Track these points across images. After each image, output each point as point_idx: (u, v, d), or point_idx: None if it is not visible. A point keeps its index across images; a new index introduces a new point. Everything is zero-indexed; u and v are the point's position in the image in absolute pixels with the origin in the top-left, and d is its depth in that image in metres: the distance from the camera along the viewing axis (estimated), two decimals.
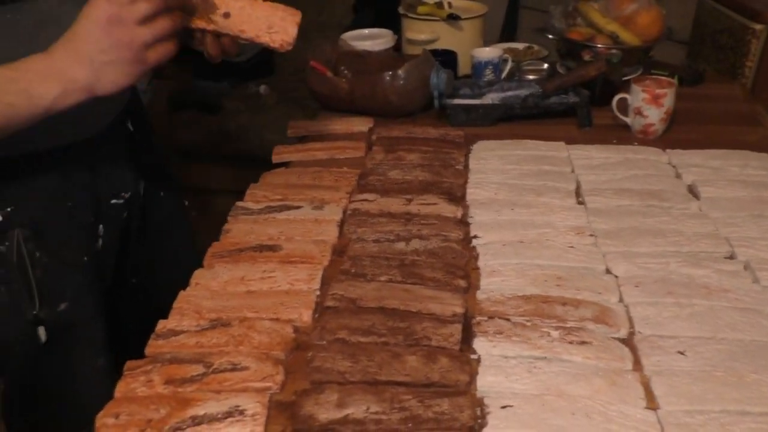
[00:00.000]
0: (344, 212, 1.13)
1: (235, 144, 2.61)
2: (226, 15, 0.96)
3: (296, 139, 1.46)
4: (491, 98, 1.52)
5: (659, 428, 0.71)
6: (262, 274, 0.97)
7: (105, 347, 1.04)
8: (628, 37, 1.62)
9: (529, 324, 0.86)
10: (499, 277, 0.95)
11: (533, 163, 1.27)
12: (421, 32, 1.73)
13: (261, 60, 2.76)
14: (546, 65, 1.68)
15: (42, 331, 0.97)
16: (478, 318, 0.87)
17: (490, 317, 0.87)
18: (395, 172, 1.24)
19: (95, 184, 1.03)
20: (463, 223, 1.10)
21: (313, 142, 1.40)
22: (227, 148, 2.60)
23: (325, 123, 1.49)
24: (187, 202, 1.30)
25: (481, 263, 0.99)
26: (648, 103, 1.37)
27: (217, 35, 0.98)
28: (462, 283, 0.95)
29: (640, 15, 1.63)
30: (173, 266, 1.00)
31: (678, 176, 1.24)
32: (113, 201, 1.07)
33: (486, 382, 0.77)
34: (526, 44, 1.84)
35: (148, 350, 0.84)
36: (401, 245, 1.03)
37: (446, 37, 1.72)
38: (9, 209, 0.93)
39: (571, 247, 1.02)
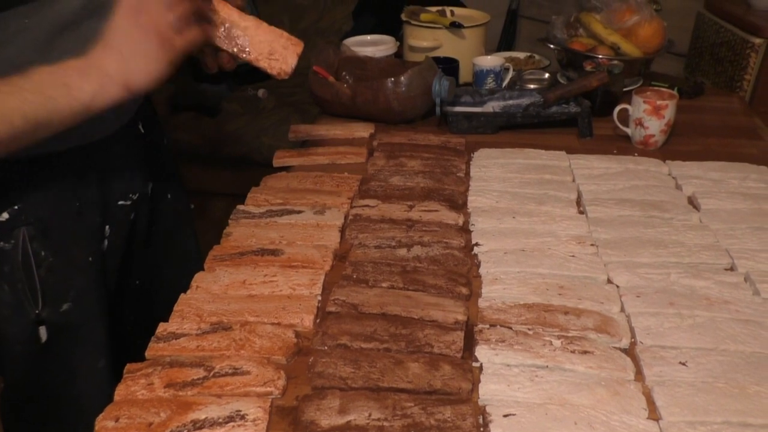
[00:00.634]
0: (346, 217, 1.13)
1: (233, 147, 2.60)
2: (228, 31, 0.96)
3: (297, 143, 1.46)
4: (492, 106, 1.52)
5: None
6: (264, 278, 0.96)
7: (106, 348, 1.04)
8: (629, 49, 1.63)
9: (531, 332, 0.86)
10: (501, 285, 0.95)
11: (534, 171, 1.27)
12: (423, 39, 1.73)
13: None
14: (547, 75, 1.69)
15: (43, 331, 0.96)
16: (480, 326, 0.87)
17: (492, 325, 0.87)
18: (396, 179, 1.24)
19: (103, 185, 1.02)
20: (465, 230, 1.10)
21: (315, 147, 1.40)
22: (225, 150, 2.60)
23: (326, 128, 1.49)
24: (193, 206, 1.29)
25: (482, 271, 0.99)
26: (649, 114, 1.37)
27: (216, 49, 0.98)
28: (464, 290, 0.95)
29: (642, 27, 1.64)
30: (178, 269, 1.00)
31: (678, 187, 1.24)
32: (120, 202, 1.06)
33: (488, 390, 0.77)
34: (528, 53, 1.85)
35: (148, 353, 0.84)
36: (403, 251, 1.03)
37: (448, 45, 1.72)
38: (16, 207, 0.93)
39: (573, 256, 1.02)
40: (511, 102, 1.53)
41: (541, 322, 0.87)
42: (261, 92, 2.78)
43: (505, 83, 1.65)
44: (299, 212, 1.13)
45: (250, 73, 2.80)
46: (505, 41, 3.30)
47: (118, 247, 1.07)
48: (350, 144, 1.41)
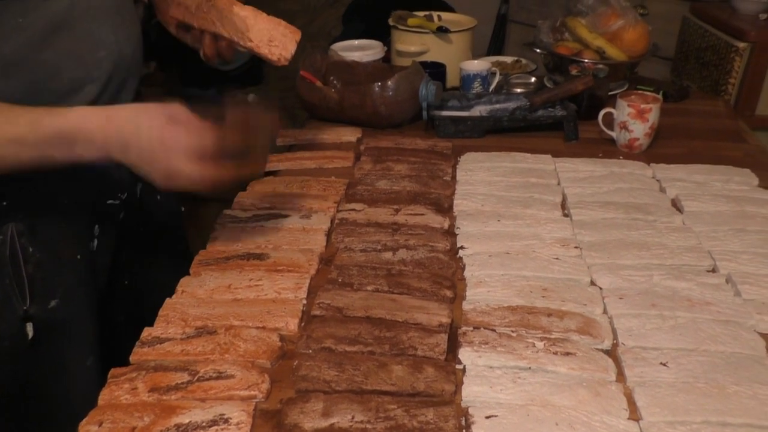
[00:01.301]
0: (332, 221, 1.14)
1: None
2: (228, 19, 0.97)
3: (285, 147, 1.46)
4: (479, 110, 1.53)
5: None
6: (249, 283, 0.97)
7: (94, 346, 1.04)
8: (614, 53, 1.64)
9: (514, 334, 0.86)
10: (485, 288, 0.96)
11: (520, 175, 1.28)
12: (410, 44, 1.74)
13: (249, 68, 2.76)
14: (534, 79, 1.70)
15: (30, 328, 0.97)
16: (464, 328, 0.88)
17: (476, 327, 0.88)
18: (383, 183, 1.25)
19: (92, 184, 1.03)
20: (450, 233, 1.11)
21: (302, 151, 1.40)
22: None
23: (314, 132, 1.49)
24: (183, 208, 1.30)
25: (467, 274, 1.00)
26: (633, 117, 1.38)
27: (216, 38, 0.98)
28: (448, 293, 0.95)
29: (627, 31, 1.66)
30: (167, 270, 1.00)
31: (662, 190, 1.26)
32: (109, 201, 1.07)
33: (471, 391, 0.78)
34: (515, 58, 1.86)
35: (132, 358, 0.84)
36: (388, 255, 1.03)
37: (435, 50, 1.73)
38: (4, 203, 0.94)
39: (557, 258, 1.03)
40: (497, 106, 1.54)
41: (524, 324, 0.88)
42: (250, 97, 2.78)
43: (492, 87, 1.66)
44: (285, 216, 1.13)
45: (239, 78, 2.82)
46: (495, 46, 3.32)
47: (108, 246, 1.08)
48: (337, 148, 1.42)
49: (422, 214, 1.14)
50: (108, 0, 0.95)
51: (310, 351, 0.84)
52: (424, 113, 1.48)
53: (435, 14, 1.83)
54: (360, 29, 2.77)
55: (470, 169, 1.31)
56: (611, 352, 0.86)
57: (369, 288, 0.95)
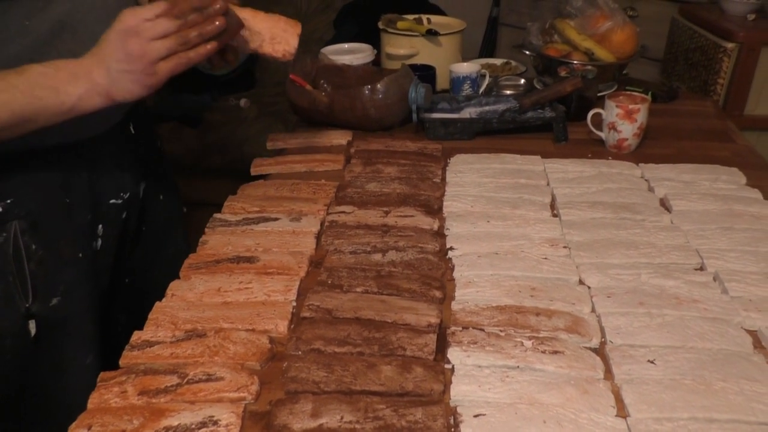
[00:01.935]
0: (322, 224, 1.14)
1: (216, 157, 2.61)
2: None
3: (276, 151, 1.46)
4: (469, 113, 1.54)
5: None
6: (239, 285, 0.97)
7: (94, 345, 1.05)
8: (603, 54, 1.65)
9: (503, 334, 0.87)
10: (474, 288, 0.96)
11: (509, 176, 1.29)
12: (400, 47, 1.75)
13: (242, 73, 2.77)
14: (523, 81, 1.71)
15: (33, 325, 0.97)
16: (453, 328, 0.88)
17: (465, 327, 0.88)
18: (373, 185, 1.26)
19: (94, 183, 1.04)
20: (440, 235, 1.11)
21: (292, 155, 1.41)
22: (208, 161, 2.60)
23: (304, 136, 1.50)
24: (185, 209, 1.31)
25: (456, 274, 1.00)
26: (622, 118, 1.39)
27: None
28: (438, 293, 0.96)
29: (615, 32, 1.67)
30: (168, 270, 1.01)
31: (651, 190, 1.26)
32: (112, 201, 1.08)
33: (459, 391, 0.78)
34: (504, 60, 1.87)
35: (122, 361, 0.84)
36: (378, 257, 1.04)
37: (425, 52, 1.74)
38: (8, 201, 0.94)
39: (546, 258, 1.03)
40: (487, 108, 1.55)
41: (512, 324, 0.89)
42: (243, 102, 2.79)
43: (481, 89, 1.66)
44: (275, 219, 1.14)
45: (231, 83, 2.82)
46: (486, 49, 3.34)
47: (110, 246, 1.09)
48: (328, 151, 1.43)
49: (412, 216, 1.15)
50: (110, 2, 0.96)
51: (300, 352, 0.85)
52: (414, 115, 1.49)
53: (424, 17, 1.84)
54: (352, 33, 2.78)
55: (460, 171, 1.32)
56: (599, 351, 0.86)
57: (358, 289, 0.96)
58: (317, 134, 1.50)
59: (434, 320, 0.89)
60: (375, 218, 1.14)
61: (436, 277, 0.99)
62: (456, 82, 1.64)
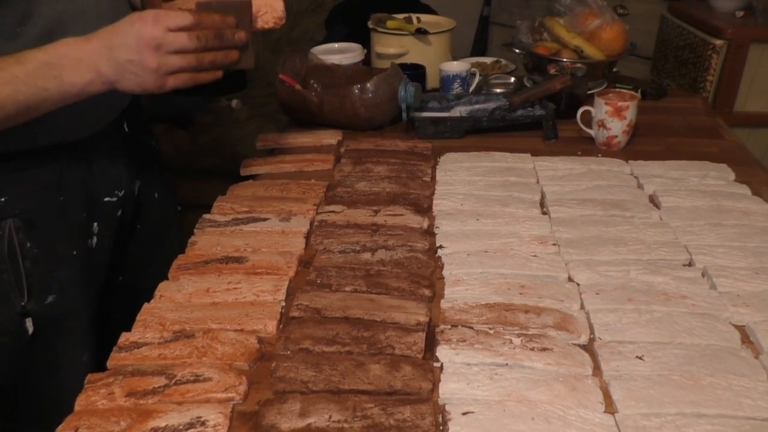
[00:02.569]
0: (311, 224, 1.14)
1: (208, 158, 2.60)
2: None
3: (266, 151, 1.46)
4: (459, 111, 1.54)
5: (616, 431, 0.73)
6: (228, 286, 0.97)
7: (90, 343, 1.04)
8: (592, 52, 1.65)
9: (491, 332, 0.87)
10: (464, 286, 0.96)
11: (499, 174, 1.29)
12: (390, 46, 1.75)
13: (232, 74, 2.76)
14: (513, 79, 1.71)
15: (29, 323, 0.97)
16: (442, 326, 0.88)
17: (454, 325, 0.88)
18: (363, 184, 1.25)
19: (89, 181, 1.04)
20: (429, 233, 1.11)
21: (282, 155, 1.41)
22: (199, 162, 2.59)
23: (294, 136, 1.49)
24: (180, 208, 1.31)
25: (445, 273, 1.00)
26: (611, 115, 1.40)
27: None
28: (427, 292, 0.95)
29: (604, 30, 1.67)
30: (163, 268, 1.01)
31: (640, 186, 1.27)
32: (107, 199, 1.08)
33: (448, 389, 0.78)
34: (494, 58, 1.88)
35: (110, 363, 0.84)
36: (367, 256, 1.03)
37: (415, 52, 1.74)
38: (3, 199, 0.94)
39: (535, 256, 1.03)
40: (477, 106, 1.55)
41: (501, 321, 0.89)
42: (234, 102, 2.78)
43: (471, 88, 1.67)
44: (265, 220, 1.13)
45: (223, 84, 2.81)
46: (478, 47, 3.34)
47: (106, 243, 1.08)
48: (318, 151, 1.42)
49: (401, 215, 1.15)
50: (102, 4, 0.96)
51: (288, 352, 0.84)
52: (404, 114, 1.48)
53: (414, 16, 1.84)
54: (343, 33, 2.78)
55: (450, 170, 1.32)
56: (588, 347, 0.86)
57: (347, 289, 0.96)
58: (307, 134, 1.49)
59: (423, 319, 0.89)
60: (364, 217, 1.14)
61: (425, 276, 0.99)
62: (446, 81, 1.64)
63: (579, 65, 1.59)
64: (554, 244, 1.07)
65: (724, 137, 1.53)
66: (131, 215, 1.15)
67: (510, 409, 0.75)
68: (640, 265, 1.01)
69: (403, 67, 1.59)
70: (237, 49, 0.94)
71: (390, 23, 1.76)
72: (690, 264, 1.03)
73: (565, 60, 1.63)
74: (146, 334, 0.87)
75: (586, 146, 1.45)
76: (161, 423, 0.73)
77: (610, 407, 0.77)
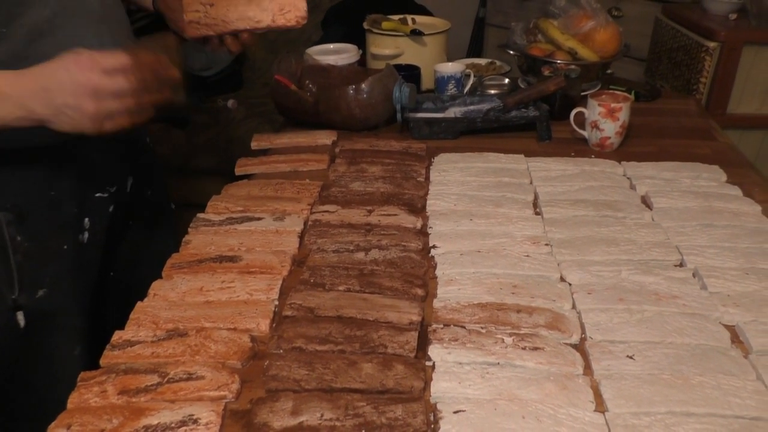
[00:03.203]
0: (305, 223, 1.14)
1: (204, 158, 2.60)
2: (237, 12, 1.00)
3: (260, 151, 1.46)
4: (453, 112, 1.54)
5: (606, 430, 0.73)
6: (221, 285, 0.97)
7: (82, 337, 1.05)
8: (586, 53, 1.66)
9: (483, 331, 0.87)
10: (456, 286, 0.97)
11: (493, 175, 1.30)
12: (385, 47, 1.75)
13: (229, 74, 2.77)
14: (507, 80, 1.72)
15: (21, 317, 0.97)
16: (434, 326, 0.88)
17: (446, 325, 0.88)
18: (357, 184, 1.26)
19: (81, 176, 1.05)
20: (423, 233, 1.12)
21: (277, 155, 1.41)
22: (196, 162, 2.59)
23: (289, 136, 1.50)
24: (174, 206, 1.31)
25: (438, 272, 1.01)
26: (604, 116, 1.40)
27: (236, 34, 1.01)
28: (420, 291, 0.96)
29: (598, 32, 1.68)
30: (155, 265, 1.01)
31: (632, 187, 1.27)
32: (98, 194, 1.08)
33: (440, 388, 0.78)
34: (489, 60, 1.88)
35: (102, 361, 0.84)
36: (360, 255, 1.04)
37: (410, 53, 1.74)
38: None
39: (527, 256, 1.04)
40: (471, 107, 1.55)
41: (493, 321, 0.89)
42: (230, 103, 2.78)
43: (466, 89, 1.67)
44: (259, 219, 1.14)
45: (219, 84, 2.82)
46: (474, 49, 3.35)
47: (98, 239, 1.09)
48: (313, 151, 1.43)
49: (395, 215, 1.15)
50: (91, 7, 0.96)
51: (281, 351, 0.85)
52: (398, 115, 1.49)
53: (409, 17, 1.84)
54: (340, 34, 2.78)
55: (444, 170, 1.32)
56: (579, 347, 0.87)
57: (341, 288, 0.96)
58: (302, 134, 1.50)
59: (416, 318, 0.89)
60: (358, 217, 1.15)
61: (418, 275, 1.00)
62: (441, 82, 1.65)
63: (573, 67, 1.60)
64: (547, 245, 1.07)
65: (717, 139, 1.54)
66: (124, 212, 1.15)
67: (501, 407, 0.75)
68: (632, 266, 1.02)
69: (398, 67, 1.60)
70: (169, 87, 0.92)
71: (385, 24, 1.77)
72: (681, 264, 1.04)
73: (559, 62, 1.63)
74: (139, 332, 0.88)
75: (579, 147, 1.46)
76: (153, 421, 0.74)
77: (600, 406, 0.77)
